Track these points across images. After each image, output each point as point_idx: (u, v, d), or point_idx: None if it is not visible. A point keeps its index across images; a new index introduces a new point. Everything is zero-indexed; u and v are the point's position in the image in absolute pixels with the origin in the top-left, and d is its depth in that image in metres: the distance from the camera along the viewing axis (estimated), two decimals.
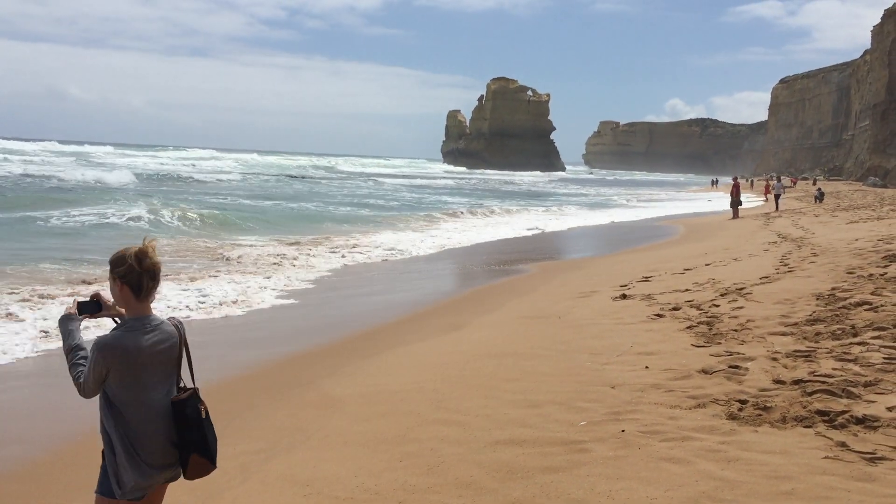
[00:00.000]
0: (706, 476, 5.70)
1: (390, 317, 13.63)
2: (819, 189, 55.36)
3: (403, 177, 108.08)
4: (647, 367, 8.80)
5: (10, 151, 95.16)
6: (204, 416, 3.88)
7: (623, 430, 6.72)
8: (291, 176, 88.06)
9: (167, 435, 3.80)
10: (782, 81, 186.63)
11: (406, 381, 9.10)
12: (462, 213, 42.60)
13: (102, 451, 3.78)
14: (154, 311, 3.89)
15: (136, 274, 3.74)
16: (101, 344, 3.69)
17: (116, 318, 3.89)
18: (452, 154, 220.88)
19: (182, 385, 3.92)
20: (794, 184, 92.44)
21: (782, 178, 53.18)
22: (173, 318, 4.00)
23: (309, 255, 22.63)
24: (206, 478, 4.13)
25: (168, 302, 13.72)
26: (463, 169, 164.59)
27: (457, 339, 11.38)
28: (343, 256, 22.72)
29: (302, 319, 13.70)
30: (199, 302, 14.23)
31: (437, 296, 16.20)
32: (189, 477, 3.89)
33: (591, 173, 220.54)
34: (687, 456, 6.09)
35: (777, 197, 41.51)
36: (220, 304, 14.20)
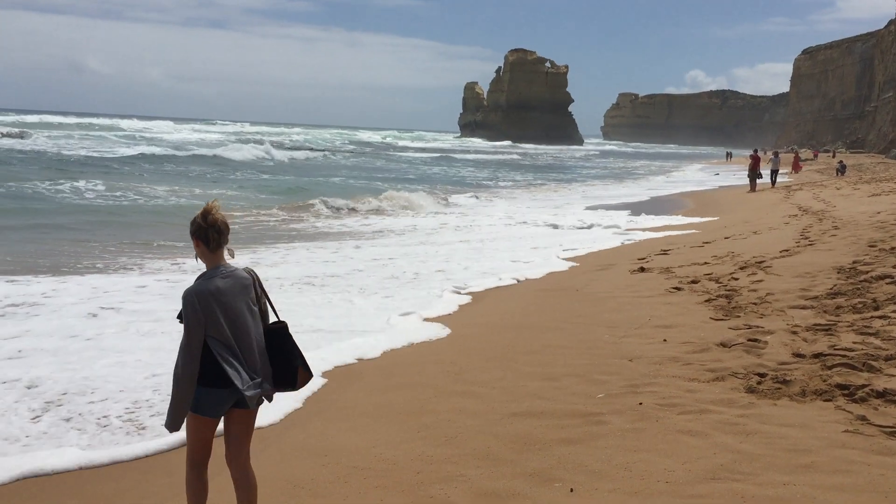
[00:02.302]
0: (724, 449, 5.69)
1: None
2: (841, 162, 54.63)
3: (440, 152, 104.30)
4: (665, 341, 8.77)
5: (89, 127, 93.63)
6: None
7: (641, 403, 6.71)
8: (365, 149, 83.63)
9: (263, 360, 4.39)
10: (805, 52, 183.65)
11: (423, 352, 9.12)
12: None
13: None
14: (229, 262, 4.42)
15: (204, 229, 4.30)
16: (187, 292, 4.24)
17: None
18: (470, 127, 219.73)
19: (278, 322, 4.54)
20: (816, 156, 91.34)
21: (778, 152, 52.09)
22: (248, 267, 4.53)
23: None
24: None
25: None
26: (507, 143, 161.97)
27: (474, 312, 11.38)
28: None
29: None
30: None
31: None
32: (299, 387, 4.52)
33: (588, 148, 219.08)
34: (705, 429, 6.07)
35: (774, 172, 40.80)
36: None
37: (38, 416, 6.96)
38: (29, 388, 7.61)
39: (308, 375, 4.57)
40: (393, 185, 37.75)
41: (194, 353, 4.18)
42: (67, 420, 6.89)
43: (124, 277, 13.60)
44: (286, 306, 9.16)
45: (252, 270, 4.51)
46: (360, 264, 15.73)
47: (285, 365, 4.44)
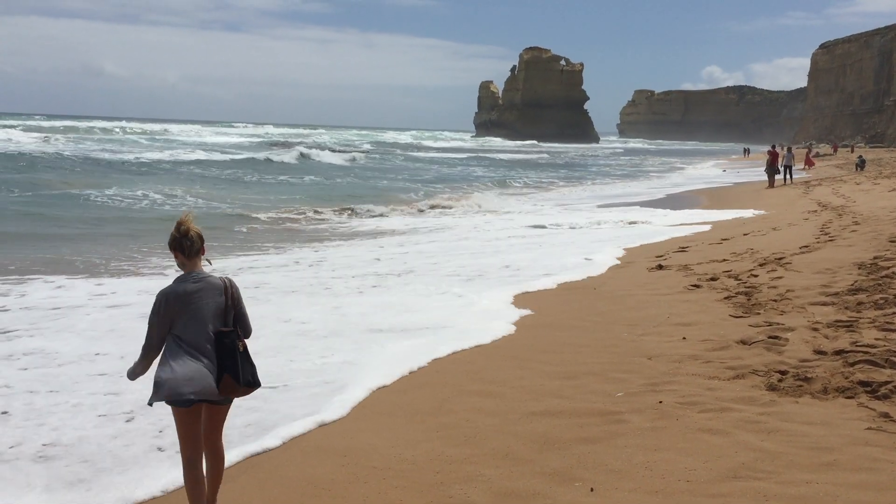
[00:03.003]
0: (746, 447, 5.65)
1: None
2: (860, 156, 54.11)
3: (467, 152, 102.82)
4: (684, 338, 8.73)
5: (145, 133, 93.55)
6: (241, 350, 4.79)
7: (660, 402, 6.67)
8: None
9: (209, 364, 4.69)
10: (822, 46, 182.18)
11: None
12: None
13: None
14: (204, 269, 4.84)
15: (178, 240, 4.71)
16: (161, 292, 4.71)
17: None
18: (485, 126, 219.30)
19: (229, 328, 4.83)
20: (835, 150, 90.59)
21: (792, 148, 51.62)
22: (226, 277, 4.90)
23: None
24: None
25: None
26: (531, 142, 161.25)
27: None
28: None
29: None
30: None
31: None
32: (222, 392, 4.73)
33: (626, 143, 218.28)
34: (726, 427, 6.03)
35: (787, 168, 40.37)
36: None
37: None
38: None
39: (234, 385, 4.74)
40: (461, 185, 41.63)
41: (153, 346, 4.71)
42: None
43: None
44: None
45: (228, 279, 4.88)
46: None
47: (219, 369, 4.73)
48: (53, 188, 31.07)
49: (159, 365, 4.69)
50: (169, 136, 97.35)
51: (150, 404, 4.72)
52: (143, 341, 4.77)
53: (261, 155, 59.36)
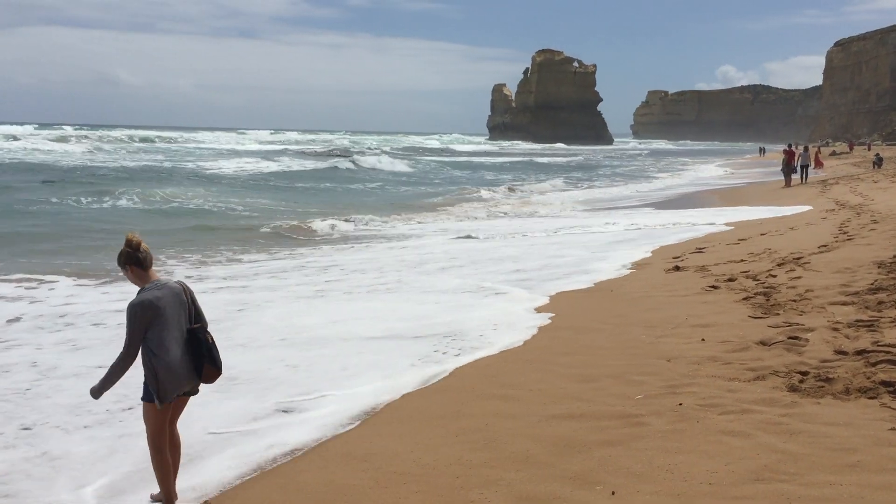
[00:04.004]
0: (768, 449, 5.61)
1: None
2: (877, 154, 53.65)
3: (506, 155, 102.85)
4: (703, 340, 8.68)
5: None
6: (210, 341, 5.35)
7: (680, 404, 6.64)
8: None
9: (187, 359, 5.25)
10: (838, 44, 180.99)
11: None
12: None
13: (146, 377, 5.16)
14: (159, 276, 5.34)
15: (135, 255, 5.15)
16: (133, 304, 5.07)
17: None
18: (499, 128, 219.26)
19: (195, 324, 5.37)
20: (852, 148, 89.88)
21: (809, 146, 51.33)
22: (180, 281, 5.44)
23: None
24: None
25: None
26: (560, 145, 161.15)
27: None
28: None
29: None
30: None
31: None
32: (205, 381, 5.36)
33: (640, 143, 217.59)
34: (747, 429, 5.99)
35: (804, 168, 40.00)
36: None
37: None
38: None
39: (215, 371, 5.38)
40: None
41: (132, 354, 5.10)
42: None
43: None
44: None
45: (183, 282, 5.40)
46: None
47: (196, 361, 5.29)
48: (185, 201, 30.34)
49: (147, 370, 5.11)
50: (205, 144, 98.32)
51: (160, 405, 5.16)
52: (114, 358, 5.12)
53: (327, 163, 60.23)
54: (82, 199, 29.67)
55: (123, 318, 5.18)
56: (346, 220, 24.95)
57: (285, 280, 14.51)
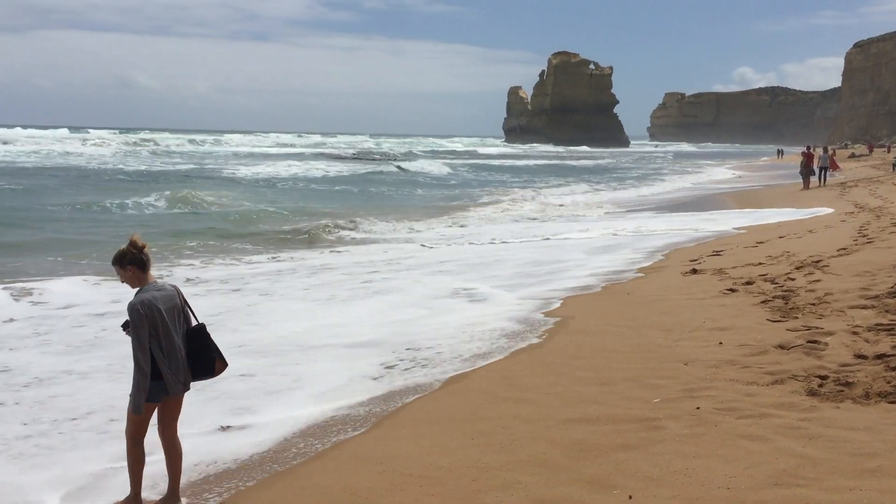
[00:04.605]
0: (787, 453, 5.56)
1: None
2: None
3: (533, 157, 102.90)
4: (720, 343, 8.62)
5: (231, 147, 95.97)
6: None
7: (698, 408, 6.60)
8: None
9: (185, 358, 5.39)
10: (857, 45, 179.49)
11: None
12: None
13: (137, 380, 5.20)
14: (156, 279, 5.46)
15: (138, 256, 5.27)
16: (134, 304, 5.17)
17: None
18: (514, 131, 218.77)
19: (194, 324, 5.54)
20: (871, 151, 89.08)
21: (828, 147, 51.00)
22: (172, 284, 5.56)
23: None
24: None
25: None
26: (584, 148, 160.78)
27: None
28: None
29: None
30: None
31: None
32: (217, 373, 5.56)
33: (656, 146, 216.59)
34: (766, 433, 5.94)
35: (823, 170, 39.53)
36: None
37: None
38: None
39: (223, 364, 5.57)
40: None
41: (146, 350, 5.15)
42: None
43: None
44: None
45: (175, 285, 5.54)
46: None
47: (205, 358, 5.46)
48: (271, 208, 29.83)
49: (142, 374, 5.15)
50: (231, 148, 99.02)
51: (158, 401, 5.31)
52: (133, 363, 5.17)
53: (367, 168, 60.77)
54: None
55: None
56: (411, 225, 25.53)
57: (279, 283, 14.65)
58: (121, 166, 55.27)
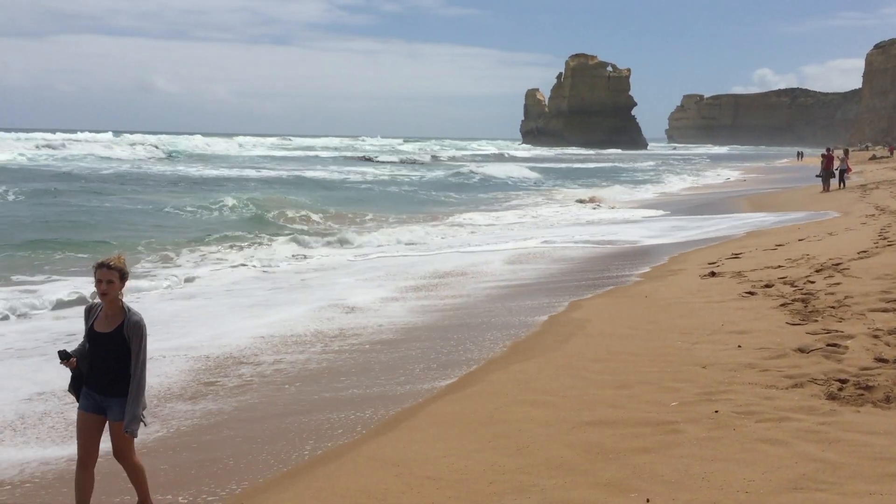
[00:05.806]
0: (806, 458, 5.52)
1: None
2: None
3: (565, 160, 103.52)
4: (739, 347, 8.57)
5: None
6: None
7: (716, 411, 6.56)
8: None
9: None
10: (877, 47, 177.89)
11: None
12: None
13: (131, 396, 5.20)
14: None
15: (127, 275, 5.33)
16: (143, 321, 5.24)
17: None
18: (532, 133, 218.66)
19: None
20: (892, 153, 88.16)
21: (846, 149, 50.65)
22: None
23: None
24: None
25: None
26: (614, 150, 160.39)
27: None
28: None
29: None
30: None
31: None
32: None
33: (675, 148, 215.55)
34: (785, 437, 5.91)
35: (842, 172, 39.06)
36: None
37: None
38: None
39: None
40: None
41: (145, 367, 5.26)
42: None
43: None
44: None
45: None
46: None
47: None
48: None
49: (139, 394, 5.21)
50: (260, 153, 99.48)
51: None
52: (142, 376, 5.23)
53: (431, 172, 61.55)
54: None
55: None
56: None
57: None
58: (192, 171, 54.91)
